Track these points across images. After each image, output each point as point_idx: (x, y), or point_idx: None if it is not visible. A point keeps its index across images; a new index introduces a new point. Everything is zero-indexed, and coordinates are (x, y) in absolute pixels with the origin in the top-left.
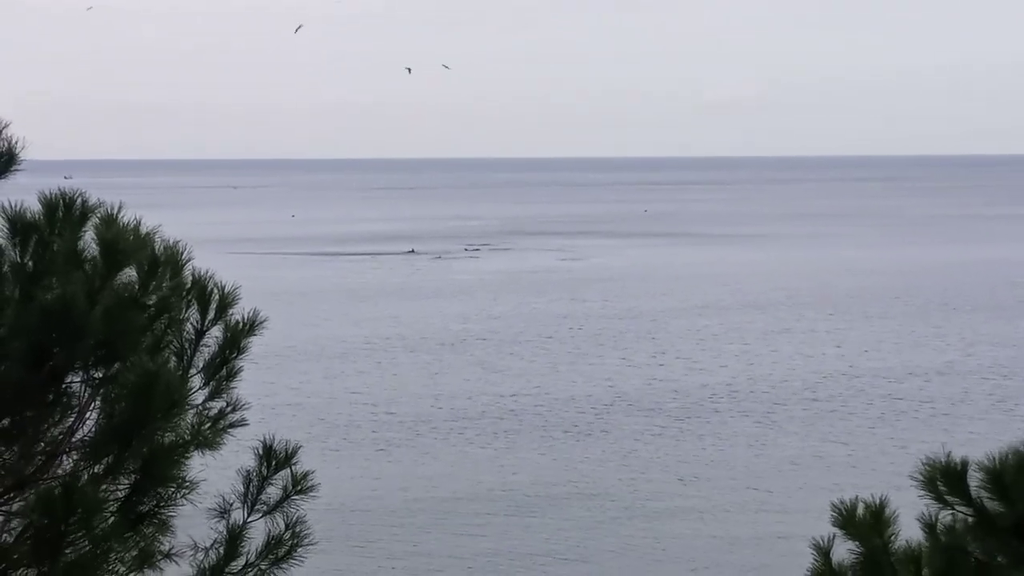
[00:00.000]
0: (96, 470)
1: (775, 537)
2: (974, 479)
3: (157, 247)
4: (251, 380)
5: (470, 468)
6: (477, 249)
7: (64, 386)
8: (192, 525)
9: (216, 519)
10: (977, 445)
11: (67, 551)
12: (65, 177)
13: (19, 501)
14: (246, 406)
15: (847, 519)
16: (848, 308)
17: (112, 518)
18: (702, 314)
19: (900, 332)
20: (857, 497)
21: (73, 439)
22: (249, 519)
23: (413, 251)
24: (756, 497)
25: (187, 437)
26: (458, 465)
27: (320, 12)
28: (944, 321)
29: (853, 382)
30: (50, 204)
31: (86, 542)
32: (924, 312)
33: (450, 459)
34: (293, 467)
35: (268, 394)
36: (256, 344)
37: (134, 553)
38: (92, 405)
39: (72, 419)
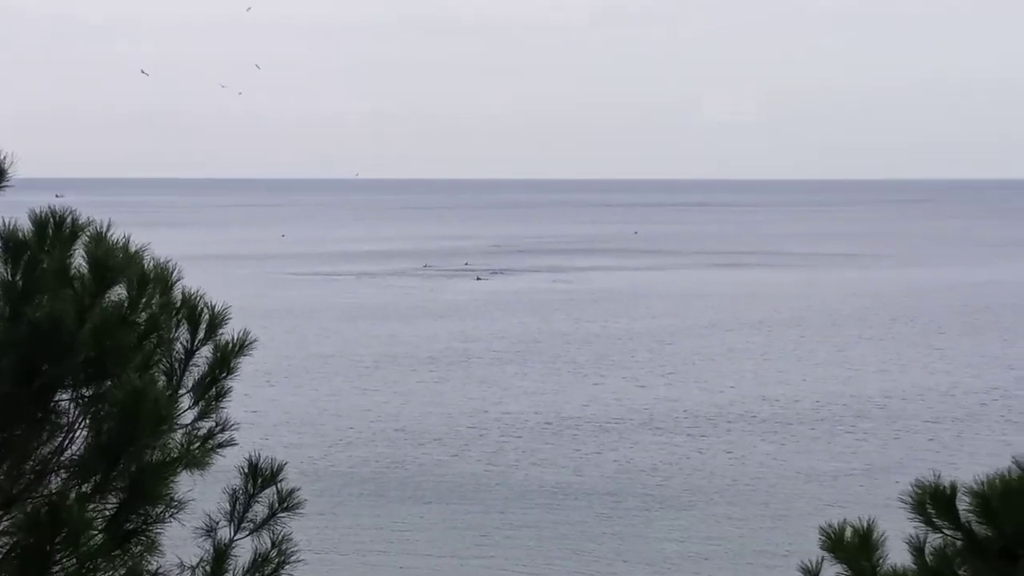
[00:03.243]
0: (84, 488)
1: (782, 555)
2: (963, 503)
3: (147, 265)
4: (254, 398)
5: (478, 484)
6: (473, 269)
7: (53, 404)
8: (179, 544)
9: (203, 537)
10: (987, 467)
11: (54, 570)
12: (56, 195)
13: (7, 519)
14: (235, 426)
15: (835, 542)
16: (851, 329)
17: (99, 536)
18: (702, 335)
19: (903, 353)
20: (845, 520)
21: (62, 457)
22: (235, 537)
23: (426, 264)
24: (767, 514)
25: (175, 455)
26: (465, 481)
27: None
28: (947, 343)
29: (861, 403)
30: (40, 222)
31: (73, 561)
32: (926, 333)
33: (457, 475)
34: (279, 484)
35: (279, 411)
36: (254, 362)
37: (121, 572)
38: (81, 423)
39: (61, 437)
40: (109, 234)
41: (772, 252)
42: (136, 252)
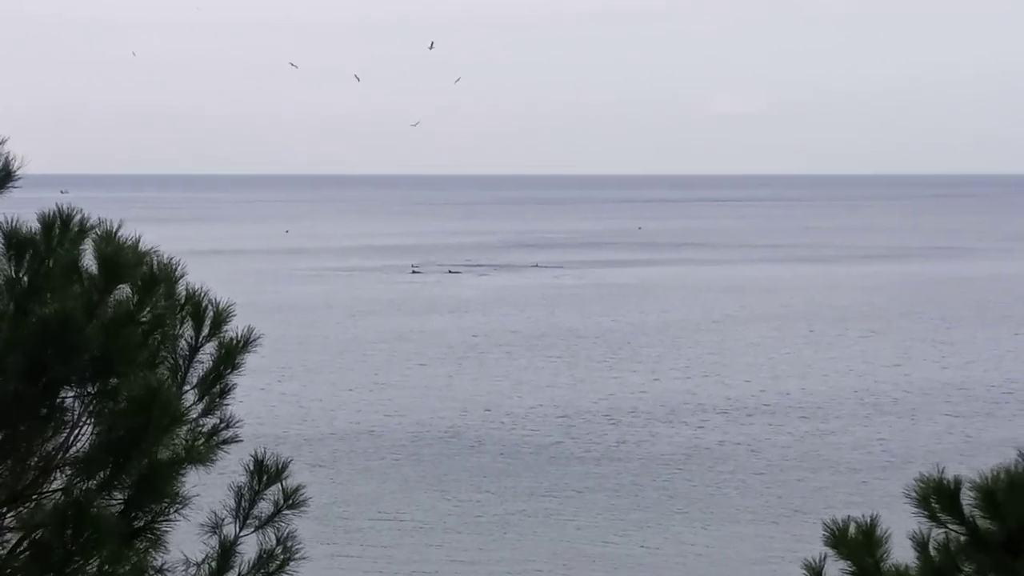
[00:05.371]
0: (90, 485)
1: (795, 545)
2: (967, 497)
3: (152, 263)
4: (268, 392)
5: (495, 476)
6: (480, 265)
7: (59, 401)
8: (184, 540)
9: (208, 534)
10: (1002, 460)
11: (69, 569)
12: (61, 191)
13: (11, 515)
14: (240, 423)
15: (839, 538)
16: (863, 323)
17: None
18: (713, 329)
19: (916, 347)
20: (849, 516)
21: (67, 454)
22: (241, 534)
23: (415, 267)
24: (781, 507)
25: (182, 453)
26: (482, 474)
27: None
28: (960, 336)
29: (875, 396)
30: (47, 220)
31: (86, 559)
32: (938, 327)
33: (473, 468)
34: (284, 482)
35: (293, 406)
36: (268, 358)
37: (127, 568)
38: (86, 420)
39: (66, 434)
40: (117, 232)
41: (778, 246)
42: (145, 250)
